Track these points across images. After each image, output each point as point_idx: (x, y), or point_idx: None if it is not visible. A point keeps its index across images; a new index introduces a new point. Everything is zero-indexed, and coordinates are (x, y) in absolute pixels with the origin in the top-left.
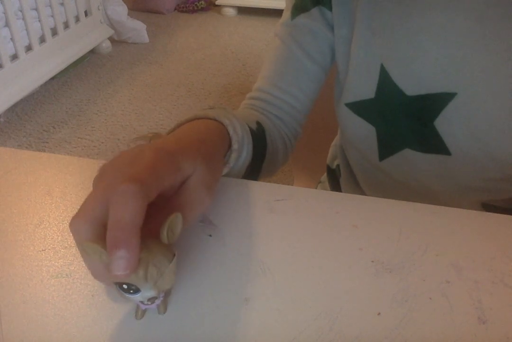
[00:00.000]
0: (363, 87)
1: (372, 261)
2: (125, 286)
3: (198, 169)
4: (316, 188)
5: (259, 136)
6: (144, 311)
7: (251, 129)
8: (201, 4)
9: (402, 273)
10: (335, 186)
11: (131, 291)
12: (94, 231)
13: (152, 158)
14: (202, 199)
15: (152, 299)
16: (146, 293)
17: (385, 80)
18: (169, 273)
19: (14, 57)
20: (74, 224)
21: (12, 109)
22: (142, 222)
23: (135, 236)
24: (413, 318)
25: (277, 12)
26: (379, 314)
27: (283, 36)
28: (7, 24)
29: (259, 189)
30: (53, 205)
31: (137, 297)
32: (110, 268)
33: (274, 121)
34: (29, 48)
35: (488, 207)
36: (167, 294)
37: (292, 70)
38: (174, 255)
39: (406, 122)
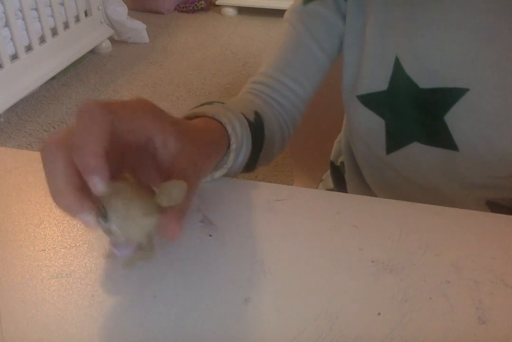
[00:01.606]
0: (376, 79)
1: (372, 261)
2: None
3: (184, 144)
4: (317, 186)
5: (257, 128)
6: (130, 262)
7: (249, 122)
8: (201, 4)
9: (402, 273)
10: (340, 183)
11: (104, 217)
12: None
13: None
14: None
15: (119, 244)
16: (112, 225)
17: (398, 72)
18: (141, 224)
19: (14, 57)
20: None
21: (12, 109)
22: (106, 142)
23: (103, 159)
24: (413, 318)
25: (277, 12)
26: (379, 314)
27: (294, 22)
28: (7, 24)
29: (259, 189)
30: (53, 205)
31: (107, 226)
32: (92, 188)
33: (275, 109)
34: (29, 48)
35: (492, 204)
36: (144, 248)
37: (301, 57)
38: (156, 218)
39: (417, 115)
